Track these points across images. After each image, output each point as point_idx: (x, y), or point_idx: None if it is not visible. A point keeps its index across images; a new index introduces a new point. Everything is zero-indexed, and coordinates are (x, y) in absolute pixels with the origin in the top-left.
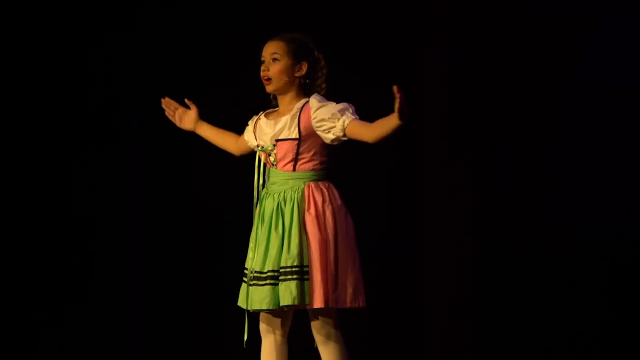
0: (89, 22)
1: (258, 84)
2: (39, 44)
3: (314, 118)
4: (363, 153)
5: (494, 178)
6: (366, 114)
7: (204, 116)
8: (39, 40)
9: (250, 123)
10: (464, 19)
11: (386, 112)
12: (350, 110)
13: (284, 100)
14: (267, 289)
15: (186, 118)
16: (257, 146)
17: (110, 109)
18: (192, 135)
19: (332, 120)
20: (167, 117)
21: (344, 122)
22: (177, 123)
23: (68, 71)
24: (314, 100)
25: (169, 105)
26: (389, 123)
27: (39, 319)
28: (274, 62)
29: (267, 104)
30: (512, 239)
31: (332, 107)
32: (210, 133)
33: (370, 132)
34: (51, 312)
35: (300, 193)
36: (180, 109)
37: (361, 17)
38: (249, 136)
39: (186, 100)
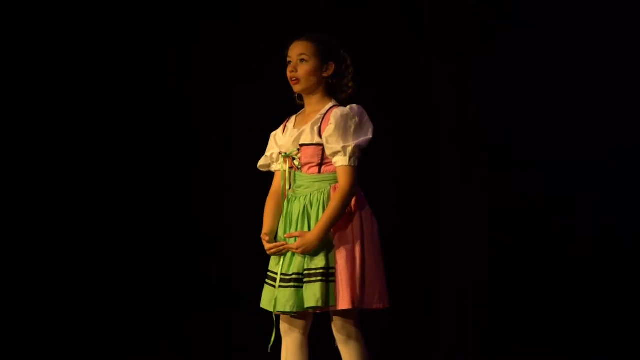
0: (106, 21)
1: (279, 83)
2: (52, 42)
3: (324, 141)
4: (378, 156)
5: (509, 183)
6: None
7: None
8: (52, 38)
9: (274, 140)
10: (469, 32)
11: (393, 124)
12: (349, 151)
13: (310, 101)
14: (290, 291)
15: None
16: (280, 153)
17: (126, 107)
18: (212, 137)
19: (331, 156)
20: (183, 118)
21: (336, 162)
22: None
23: (82, 71)
24: (333, 118)
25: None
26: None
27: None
28: (301, 63)
29: (290, 103)
30: (527, 243)
31: (338, 141)
32: (277, 220)
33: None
34: (61, 308)
35: (326, 195)
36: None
37: (369, 31)
38: (276, 166)
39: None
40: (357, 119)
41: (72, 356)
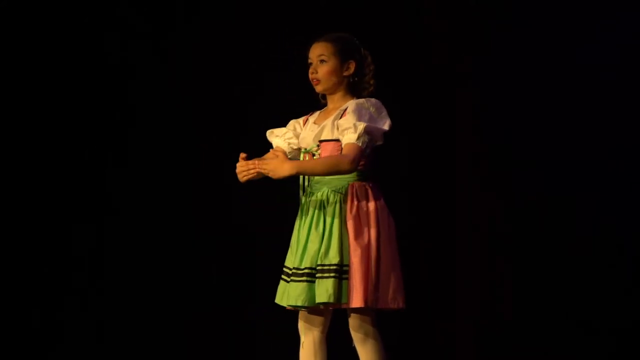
0: (106, 21)
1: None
2: (51, 42)
3: (338, 126)
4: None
5: (509, 183)
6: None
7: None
8: (52, 38)
9: (293, 125)
10: (469, 32)
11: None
12: (360, 130)
13: (333, 99)
14: (302, 285)
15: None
16: (300, 149)
17: (126, 107)
18: (212, 137)
19: (341, 135)
20: (183, 118)
21: (344, 140)
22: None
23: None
24: (349, 107)
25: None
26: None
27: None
28: (321, 64)
29: (291, 103)
30: (527, 243)
31: (350, 121)
32: None
33: None
34: (62, 307)
35: (343, 192)
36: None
37: (368, 30)
38: (278, 142)
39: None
40: (373, 109)
41: (73, 357)
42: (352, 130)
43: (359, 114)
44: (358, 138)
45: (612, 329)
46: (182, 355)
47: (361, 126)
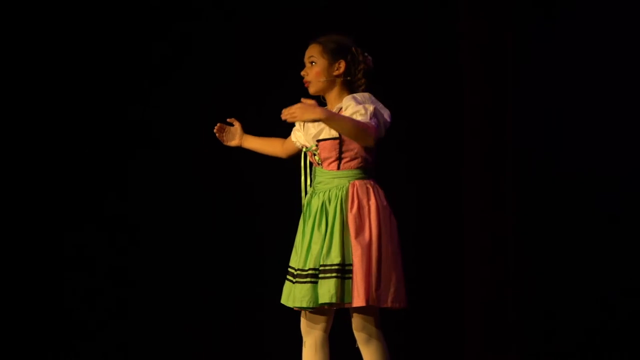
0: (107, 22)
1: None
2: (51, 42)
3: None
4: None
5: (509, 183)
6: None
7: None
8: (52, 38)
9: (298, 124)
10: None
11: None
12: (370, 111)
13: (329, 99)
14: (307, 286)
15: (231, 135)
16: (302, 146)
17: (126, 107)
18: (212, 137)
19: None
20: (183, 118)
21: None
22: (224, 142)
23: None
24: (345, 101)
25: (220, 129)
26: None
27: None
28: (311, 65)
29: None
30: (527, 242)
31: (355, 107)
32: (256, 144)
33: None
34: (66, 307)
35: (344, 192)
36: (226, 128)
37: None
38: (297, 136)
39: (228, 120)
40: (368, 102)
41: (74, 357)
42: (362, 111)
43: (358, 102)
44: (370, 119)
45: (611, 329)
46: (187, 355)
47: (371, 108)
